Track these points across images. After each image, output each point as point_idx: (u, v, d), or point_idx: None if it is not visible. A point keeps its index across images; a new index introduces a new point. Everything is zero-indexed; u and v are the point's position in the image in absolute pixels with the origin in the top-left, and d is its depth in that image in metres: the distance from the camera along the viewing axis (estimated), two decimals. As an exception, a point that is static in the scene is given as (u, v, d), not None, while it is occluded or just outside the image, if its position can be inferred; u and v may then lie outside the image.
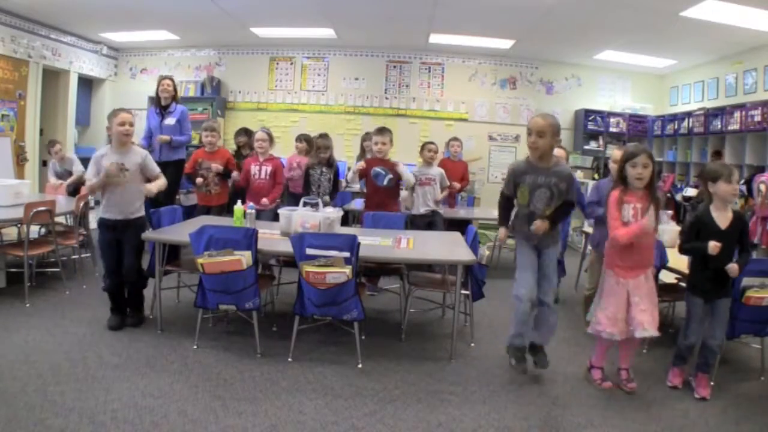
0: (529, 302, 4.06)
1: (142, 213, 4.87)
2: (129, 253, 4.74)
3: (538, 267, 4.13)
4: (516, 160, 4.20)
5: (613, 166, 5.12)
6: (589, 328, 4.10)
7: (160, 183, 4.88)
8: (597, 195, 5.21)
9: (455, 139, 8.54)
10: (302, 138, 7.42)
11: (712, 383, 4.11)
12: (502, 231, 4.36)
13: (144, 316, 4.97)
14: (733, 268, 3.84)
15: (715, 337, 4.02)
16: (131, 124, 4.67)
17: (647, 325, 3.88)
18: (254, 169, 6.50)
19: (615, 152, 5.23)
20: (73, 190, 7.24)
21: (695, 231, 3.99)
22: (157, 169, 4.90)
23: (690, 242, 4.00)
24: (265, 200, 6.34)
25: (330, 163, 6.75)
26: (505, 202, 4.29)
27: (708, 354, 4.05)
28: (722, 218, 3.94)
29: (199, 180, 6.64)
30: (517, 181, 4.12)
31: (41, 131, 9.87)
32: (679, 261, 4.37)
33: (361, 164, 6.22)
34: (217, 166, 6.61)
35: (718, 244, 3.80)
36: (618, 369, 4.22)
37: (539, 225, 3.96)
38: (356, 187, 7.96)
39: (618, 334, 3.92)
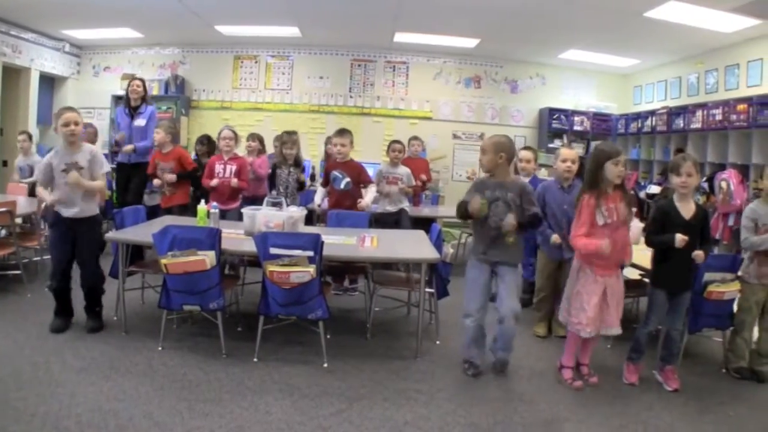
0: (476, 321, 4.17)
1: (96, 211, 4.73)
2: (87, 258, 4.64)
3: (497, 288, 4.20)
4: (480, 176, 4.28)
5: (561, 166, 5.09)
6: (569, 326, 4.13)
7: (97, 184, 4.66)
8: (541, 200, 4.96)
9: (415, 138, 8.61)
10: (255, 137, 7.23)
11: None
12: (475, 200, 4.03)
13: (102, 323, 4.80)
14: (699, 254, 3.91)
15: (676, 327, 4.13)
16: (76, 123, 4.52)
17: (615, 324, 4.00)
18: (218, 167, 6.45)
19: (564, 151, 5.18)
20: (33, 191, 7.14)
21: (661, 222, 4.06)
22: (103, 168, 4.70)
23: (656, 234, 4.06)
24: (234, 180, 6.36)
25: (297, 162, 6.68)
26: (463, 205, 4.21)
27: (671, 344, 4.16)
28: (686, 210, 4.01)
29: (156, 182, 6.62)
30: (478, 193, 4.14)
31: (1, 130, 9.71)
32: (643, 257, 4.45)
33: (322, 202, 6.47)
34: (172, 177, 6.53)
35: (685, 237, 3.85)
36: (578, 365, 4.30)
37: (510, 222, 3.97)
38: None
39: (594, 330, 3.98)
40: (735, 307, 4.43)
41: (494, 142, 4.12)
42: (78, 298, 4.80)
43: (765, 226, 4.21)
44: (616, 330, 4.01)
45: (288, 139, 6.51)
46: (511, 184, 4.12)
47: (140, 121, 7.29)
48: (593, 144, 9.86)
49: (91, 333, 4.64)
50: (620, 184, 4.01)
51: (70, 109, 4.63)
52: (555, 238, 4.85)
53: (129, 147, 7.17)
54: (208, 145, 8.01)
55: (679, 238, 3.85)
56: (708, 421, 3.72)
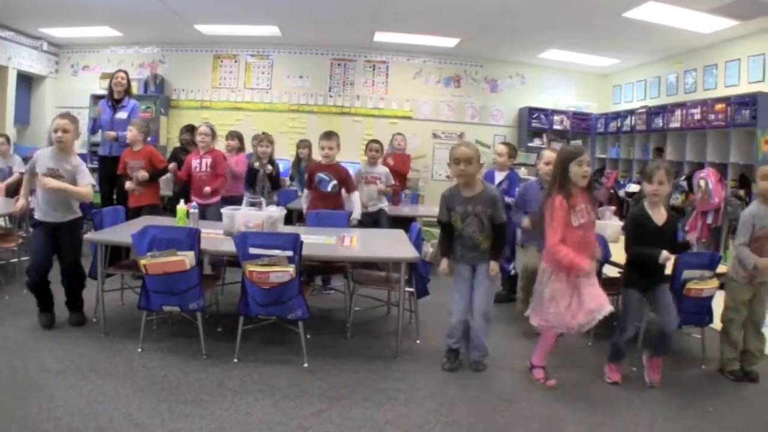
0: (460, 322, 4.26)
1: (78, 214, 4.81)
2: (67, 255, 4.70)
3: (472, 284, 4.26)
4: (447, 189, 4.29)
5: (543, 168, 5.15)
6: (535, 322, 4.13)
7: (77, 189, 4.66)
8: (522, 199, 5.34)
9: (398, 134, 8.83)
10: (234, 135, 7.23)
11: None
12: (444, 263, 4.34)
13: (85, 316, 4.89)
14: (665, 256, 3.93)
15: (669, 323, 4.09)
16: (65, 131, 4.57)
17: (605, 303, 3.89)
18: (195, 162, 6.48)
19: (548, 153, 5.20)
20: (13, 192, 7.07)
21: (638, 233, 4.08)
22: (84, 180, 4.69)
23: (636, 245, 4.08)
24: (207, 188, 6.32)
25: (272, 161, 6.77)
26: (444, 229, 4.34)
27: (665, 338, 4.14)
28: (657, 215, 4.06)
29: (128, 184, 6.46)
30: (450, 209, 4.23)
31: (-23, 130, 9.58)
32: (622, 256, 4.49)
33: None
34: (144, 174, 6.36)
35: (671, 256, 3.93)
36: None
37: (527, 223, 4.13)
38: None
39: (575, 326, 3.90)
40: (721, 305, 4.48)
41: (477, 150, 4.15)
42: (58, 299, 4.81)
43: (763, 229, 4.21)
44: (609, 308, 3.89)
45: (263, 137, 6.64)
46: (484, 198, 4.16)
47: (122, 114, 7.30)
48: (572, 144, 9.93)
49: (75, 326, 4.75)
50: (588, 184, 4.02)
51: (64, 116, 4.70)
52: (525, 222, 5.02)
53: (111, 134, 7.15)
54: (191, 134, 8.01)
55: (664, 256, 3.91)
56: (688, 417, 3.77)
